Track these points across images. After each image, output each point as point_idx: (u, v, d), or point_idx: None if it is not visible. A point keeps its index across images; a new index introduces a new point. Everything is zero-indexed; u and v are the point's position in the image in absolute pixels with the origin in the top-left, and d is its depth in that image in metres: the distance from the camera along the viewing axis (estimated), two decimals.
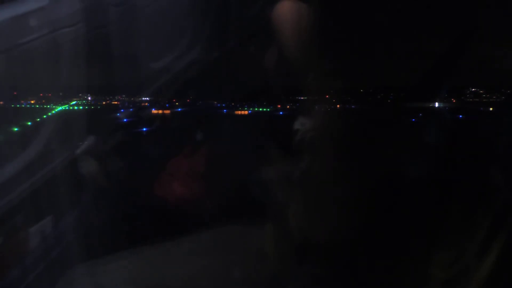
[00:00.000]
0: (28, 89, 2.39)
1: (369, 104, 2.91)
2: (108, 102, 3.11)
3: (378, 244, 1.98)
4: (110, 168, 2.45)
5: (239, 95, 3.05)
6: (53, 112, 2.25)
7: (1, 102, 2.04)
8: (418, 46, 2.45)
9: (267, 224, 2.12)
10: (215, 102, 3.21)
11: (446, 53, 2.43)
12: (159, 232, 2.20)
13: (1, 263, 1.84)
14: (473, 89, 2.91)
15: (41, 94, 2.52)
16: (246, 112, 3.17)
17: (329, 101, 2.27)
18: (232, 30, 2.39)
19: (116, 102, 3.12)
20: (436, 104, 2.66)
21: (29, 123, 2.25)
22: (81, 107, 2.62)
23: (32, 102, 2.52)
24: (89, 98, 2.93)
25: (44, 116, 2.27)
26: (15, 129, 2.17)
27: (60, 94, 2.32)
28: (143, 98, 2.93)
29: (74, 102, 2.49)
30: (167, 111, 2.97)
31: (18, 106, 2.41)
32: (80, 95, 2.65)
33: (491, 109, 2.84)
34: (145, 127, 2.86)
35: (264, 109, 3.15)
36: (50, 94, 2.42)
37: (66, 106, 2.35)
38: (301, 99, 2.47)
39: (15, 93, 2.24)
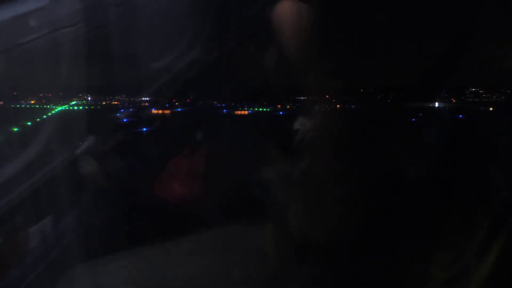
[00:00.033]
0: (28, 89, 2.39)
1: (369, 104, 2.91)
2: (108, 102, 3.11)
3: (378, 244, 1.98)
4: (110, 168, 2.45)
5: (239, 95, 3.05)
6: (53, 112, 2.25)
7: (1, 102, 2.04)
8: (418, 46, 2.45)
9: (267, 224, 2.12)
10: (215, 102, 3.21)
11: (446, 53, 2.43)
12: (159, 232, 2.20)
13: (1, 263, 1.84)
14: (473, 89, 2.91)
15: (41, 94, 2.52)
16: (246, 112, 3.17)
17: (329, 101, 2.27)
18: (232, 30, 2.39)
19: (116, 102, 3.12)
20: (436, 104, 2.66)
21: (29, 123, 2.25)
22: (81, 107, 2.62)
23: (32, 102, 2.52)
24: (89, 98, 2.93)
25: (44, 116, 2.27)
26: (15, 129, 2.17)
27: (60, 94, 2.32)
28: (143, 98, 2.93)
29: (74, 102, 2.49)
30: (167, 111, 2.97)
31: (18, 106, 2.41)
32: (80, 95, 2.65)
33: (491, 109, 2.84)
34: (145, 127, 2.86)
35: (264, 109, 3.15)
36: (50, 94, 2.42)
37: (66, 106, 2.35)
38: (301, 99, 2.47)
39: (15, 93, 2.24)
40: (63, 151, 2.16)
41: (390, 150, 2.16)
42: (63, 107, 2.32)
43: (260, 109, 3.15)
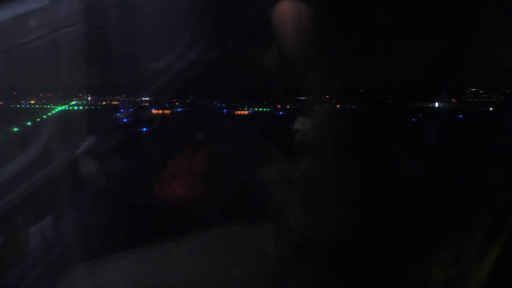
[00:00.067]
0: (28, 89, 2.39)
1: (369, 104, 2.91)
2: (108, 102, 3.11)
3: (378, 244, 1.98)
4: (110, 168, 2.45)
5: (239, 95, 3.05)
6: (53, 112, 2.25)
7: (1, 102, 2.04)
8: (418, 46, 2.45)
9: (267, 224, 2.12)
10: (215, 102, 3.21)
11: (446, 53, 2.43)
12: (159, 232, 2.20)
13: (1, 263, 1.84)
14: (473, 89, 2.91)
15: (41, 94, 2.52)
16: (246, 112, 3.17)
17: (329, 101, 2.27)
18: (232, 30, 2.39)
19: (116, 102, 3.12)
20: (436, 104, 2.66)
21: (29, 123, 2.25)
22: (81, 107, 2.62)
23: (32, 102, 2.52)
24: (89, 98, 2.93)
25: (44, 116, 2.27)
26: (15, 129, 2.17)
27: (60, 94, 2.32)
28: (143, 98, 2.93)
29: (74, 102, 2.49)
30: (167, 111, 2.97)
31: (18, 106, 2.41)
32: (80, 95, 2.65)
33: (491, 109, 2.84)
34: (145, 127, 2.86)
35: (264, 109, 3.15)
36: (50, 94, 2.42)
37: (66, 106, 2.35)
38: (301, 99, 2.47)
39: (15, 93, 2.24)
40: (63, 151, 2.16)
41: (390, 150, 2.16)
42: (63, 107, 2.32)
43: (260, 109, 3.15)
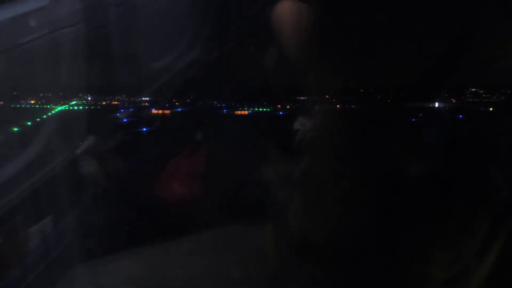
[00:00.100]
0: (28, 89, 2.39)
1: (369, 104, 2.91)
2: (108, 102, 3.11)
3: (378, 244, 1.98)
4: (110, 168, 2.45)
5: (239, 95, 3.04)
6: (53, 112, 2.25)
7: (1, 102, 2.04)
8: (418, 46, 2.45)
9: (267, 224, 2.12)
10: (215, 102, 3.21)
11: (446, 53, 2.43)
12: (159, 232, 2.20)
13: (1, 263, 1.84)
14: (473, 89, 2.91)
15: (41, 94, 2.52)
16: (246, 112, 3.17)
17: (329, 101, 2.27)
18: (232, 30, 2.39)
19: (116, 102, 3.11)
20: (436, 104, 2.66)
21: (29, 123, 2.25)
22: (81, 107, 2.62)
23: (32, 102, 2.51)
24: (89, 98, 2.93)
25: (44, 116, 2.27)
26: (15, 129, 2.17)
27: (60, 94, 2.32)
28: (143, 98, 2.93)
29: (74, 102, 2.49)
30: (167, 111, 2.97)
31: (18, 106, 2.41)
32: (80, 95, 2.65)
33: (491, 109, 2.84)
34: (145, 127, 2.86)
35: (264, 109, 3.14)
36: (50, 94, 2.42)
37: (66, 106, 2.35)
38: (301, 99, 2.47)
39: (15, 93, 2.24)
40: (63, 151, 2.16)
41: (390, 150, 2.16)
42: (63, 107, 2.32)
43: (260, 109, 3.15)
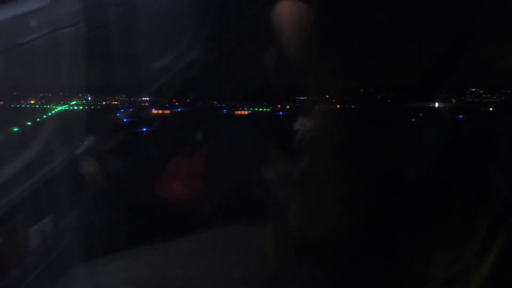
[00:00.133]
0: (28, 89, 2.39)
1: (369, 104, 2.91)
2: (108, 102, 3.11)
3: (378, 244, 1.98)
4: (110, 168, 2.45)
5: (239, 95, 3.05)
6: (53, 112, 2.25)
7: (1, 102, 2.04)
8: (418, 46, 2.45)
9: (267, 224, 2.12)
10: (215, 102, 3.21)
11: (446, 53, 2.43)
12: (159, 232, 2.20)
13: (1, 263, 1.84)
14: (473, 89, 2.91)
15: (41, 94, 2.52)
16: (246, 112, 3.17)
17: (329, 101, 2.27)
18: (232, 30, 2.39)
19: (116, 102, 3.12)
20: (436, 104, 2.66)
21: (29, 123, 2.25)
22: (81, 107, 2.62)
23: (32, 102, 2.52)
24: (89, 98, 2.93)
25: (44, 116, 2.27)
26: (15, 129, 2.17)
27: (60, 94, 2.32)
28: (143, 98, 2.93)
29: (74, 102, 2.49)
30: (167, 111, 2.97)
31: (18, 106, 2.41)
32: (80, 95, 2.65)
33: (491, 109, 2.84)
34: (145, 127, 2.86)
35: (264, 109, 3.15)
36: (50, 94, 2.42)
37: (66, 106, 2.35)
38: (301, 99, 2.47)
39: (15, 93, 2.24)
40: (63, 151, 2.16)
41: (390, 150, 2.16)
42: (63, 107, 2.32)
43: (260, 109, 3.15)
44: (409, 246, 1.92)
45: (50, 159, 2.03)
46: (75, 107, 2.50)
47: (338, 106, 2.35)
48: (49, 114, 2.25)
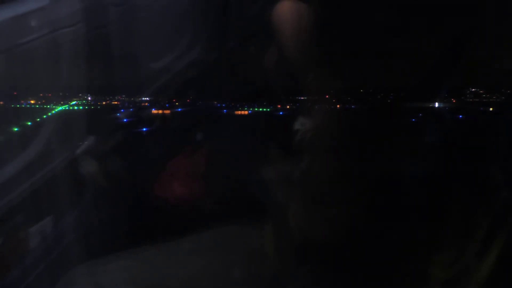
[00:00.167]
0: (28, 89, 2.39)
1: (369, 104, 2.91)
2: (108, 102, 3.11)
3: (378, 244, 1.98)
4: (110, 168, 2.45)
5: (239, 95, 3.04)
6: (53, 112, 2.25)
7: (1, 102, 2.04)
8: (418, 46, 2.45)
9: (267, 224, 2.12)
10: (215, 102, 3.21)
11: (446, 53, 2.43)
12: (159, 232, 2.20)
13: (1, 263, 1.84)
14: (473, 89, 2.91)
15: (41, 94, 2.52)
16: (246, 112, 3.17)
17: (329, 101, 2.27)
18: (232, 30, 2.39)
19: (116, 102, 3.11)
20: (436, 104, 2.66)
21: (29, 123, 2.25)
22: (81, 107, 2.62)
23: (32, 102, 2.51)
24: (89, 98, 2.93)
25: (44, 116, 2.27)
26: (15, 129, 2.17)
27: (60, 94, 2.32)
28: (143, 98, 2.93)
29: (74, 102, 2.49)
30: (167, 111, 2.97)
31: (18, 106, 2.41)
32: (80, 95, 2.65)
33: (491, 109, 2.84)
34: (145, 127, 2.86)
35: (264, 109, 3.14)
36: (50, 94, 2.42)
37: (66, 106, 2.35)
38: (301, 99, 2.47)
39: (15, 93, 2.24)
40: (63, 151, 2.16)
41: (390, 150, 2.16)
42: (63, 107, 2.32)
43: (260, 109, 3.15)
44: (409, 246, 1.92)
45: (50, 159, 2.03)
46: (75, 107, 2.50)
47: (338, 106, 2.35)
48: (49, 114, 2.25)
